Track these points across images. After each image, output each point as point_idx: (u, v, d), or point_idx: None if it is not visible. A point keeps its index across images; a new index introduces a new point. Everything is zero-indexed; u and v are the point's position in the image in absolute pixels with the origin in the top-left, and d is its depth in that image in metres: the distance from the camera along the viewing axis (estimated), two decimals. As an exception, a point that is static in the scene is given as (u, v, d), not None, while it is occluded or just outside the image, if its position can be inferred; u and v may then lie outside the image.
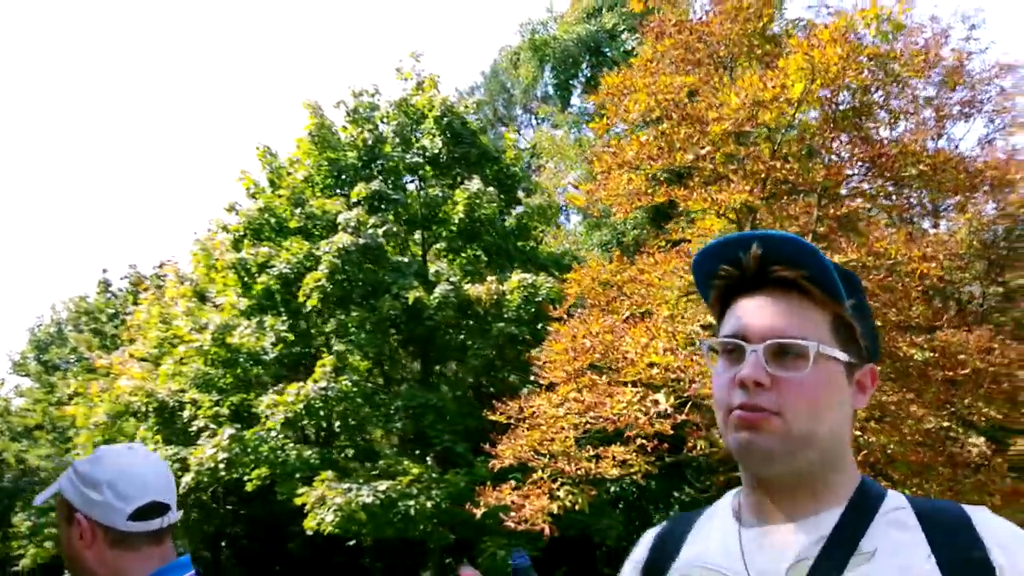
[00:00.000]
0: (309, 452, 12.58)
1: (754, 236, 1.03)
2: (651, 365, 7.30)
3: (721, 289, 1.08)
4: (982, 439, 11.28)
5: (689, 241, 10.83)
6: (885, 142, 9.56)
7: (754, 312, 1.02)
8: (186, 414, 15.13)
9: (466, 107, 15.31)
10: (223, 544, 22.12)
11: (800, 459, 0.99)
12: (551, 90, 23.48)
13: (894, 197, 10.72)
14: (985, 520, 0.98)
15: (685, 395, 7.53)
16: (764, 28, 9.89)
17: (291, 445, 12.66)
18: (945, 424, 10.02)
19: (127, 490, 1.56)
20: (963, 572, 0.92)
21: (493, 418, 8.69)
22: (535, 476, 8.48)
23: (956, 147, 16.38)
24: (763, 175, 8.51)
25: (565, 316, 9.64)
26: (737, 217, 9.38)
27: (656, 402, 7.34)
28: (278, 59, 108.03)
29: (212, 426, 14.34)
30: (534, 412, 8.18)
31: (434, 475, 11.79)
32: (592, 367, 8.47)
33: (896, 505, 1.01)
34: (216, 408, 14.71)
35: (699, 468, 11.26)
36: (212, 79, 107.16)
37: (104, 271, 30.99)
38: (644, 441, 8.17)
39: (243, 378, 14.59)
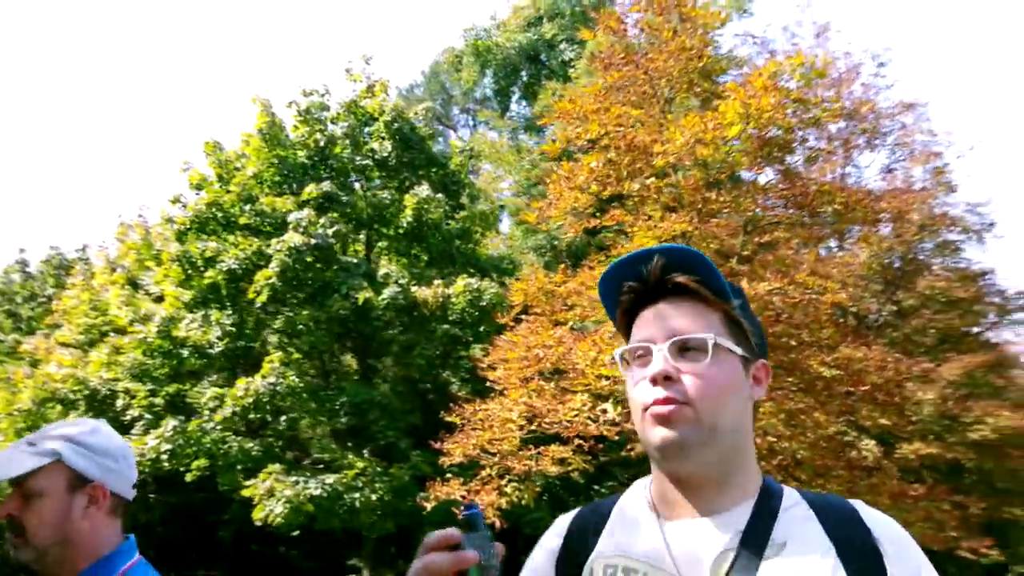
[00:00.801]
0: (251, 444, 12.78)
1: (655, 250, 1.15)
2: (600, 377, 8.03)
3: (627, 304, 1.19)
4: (873, 443, 12.64)
5: (623, 256, 11.62)
6: (805, 180, 10.62)
7: (657, 318, 1.14)
8: (119, 403, 14.93)
9: (416, 113, 15.70)
10: (135, 531, 21.80)
11: (711, 451, 1.08)
12: (491, 94, 24.03)
13: (809, 226, 11.84)
14: (868, 512, 1.11)
15: (631, 405, 8.23)
16: (704, 67, 10.77)
17: (233, 437, 12.81)
18: (843, 430, 11.18)
19: (132, 462, 1.63)
20: (857, 556, 1.04)
21: (449, 419, 9.22)
22: (484, 473, 9.07)
23: (861, 174, 18.01)
24: (699, 205, 9.38)
25: (512, 323, 10.22)
26: (673, 240, 10.21)
27: (604, 411, 8.07)
28: (203, 44, 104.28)
29: (147, 416, 14.26)
30: (489, 415, 8.78)
31: (378, 469, 12.23)
32: (540, 374, 9.11)
33: (795, 500, 1.12)
34: (151, 398, 14.61)
35: (625, 463, 12.10)
36: (140, 62, 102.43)
37: (22, 251, 29.66)
38: (581, 442, 8.91)
39: (179, 369, 14.51)
